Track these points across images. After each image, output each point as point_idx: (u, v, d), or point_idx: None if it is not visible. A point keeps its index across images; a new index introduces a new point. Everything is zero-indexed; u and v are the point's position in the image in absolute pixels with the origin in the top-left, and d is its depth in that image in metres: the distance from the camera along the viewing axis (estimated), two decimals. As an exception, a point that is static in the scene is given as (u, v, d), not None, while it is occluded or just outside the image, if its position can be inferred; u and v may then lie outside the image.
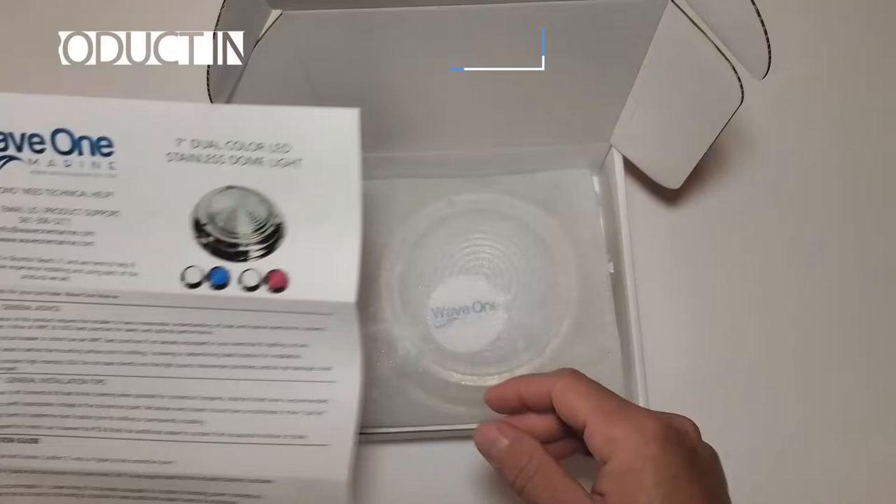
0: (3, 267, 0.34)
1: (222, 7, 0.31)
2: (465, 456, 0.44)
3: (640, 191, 0.52)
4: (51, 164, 0.35)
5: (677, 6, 0.37)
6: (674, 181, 0.46)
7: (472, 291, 0.47)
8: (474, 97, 0.42)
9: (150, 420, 0.35)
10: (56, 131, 0.34)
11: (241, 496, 0.35)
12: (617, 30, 0.38)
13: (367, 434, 0.43)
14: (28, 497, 0.34)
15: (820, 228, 0.52)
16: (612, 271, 0.47)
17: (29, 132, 0.34)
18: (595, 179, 0.51)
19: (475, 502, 0.44)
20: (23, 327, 0.34)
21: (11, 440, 0.34)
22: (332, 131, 0.35)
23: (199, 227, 0.35)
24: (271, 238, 0.35)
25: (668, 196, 0.52)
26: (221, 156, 0.35)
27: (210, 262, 0.35)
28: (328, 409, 0.35)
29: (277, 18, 0.36)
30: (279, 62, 0.38)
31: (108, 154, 0.35)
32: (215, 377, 0.35)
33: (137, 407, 0.35)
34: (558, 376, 0.32)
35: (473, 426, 0.41)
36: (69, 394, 0.34)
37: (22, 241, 0.34)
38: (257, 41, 0.36)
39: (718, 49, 0.36)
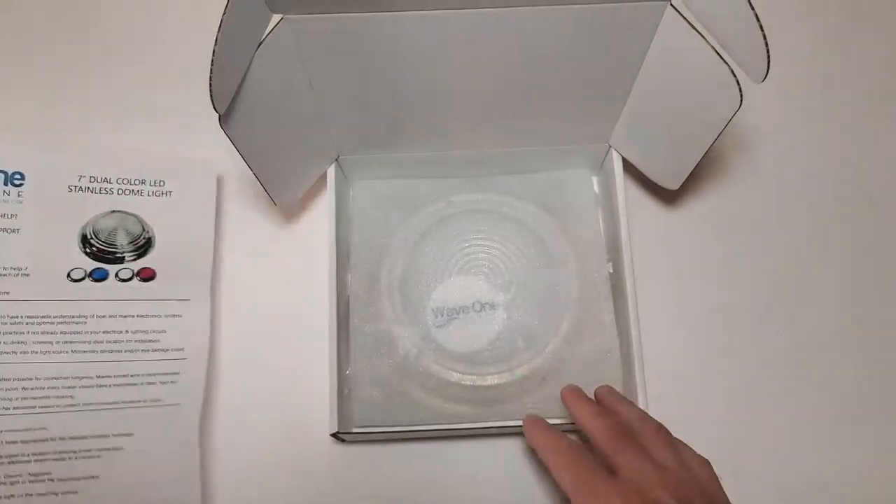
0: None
1: (224, 13, 0.32)
2: (466, 455, 0.45)
3: (639, 191, 0.52)
4: (-34, 192, 0.43)
5: (676, 10, 0.37)
6: (673, 182, 0.46)
7: (472, 291, 0.47)
8: (474, 99, 0.43)
9: (25, 398, 0.41)
10: (-24, 166, 0.46)
11: (104, 449, 0.41)
12: (616, 32, 0.39)
13: (368, 434, 0.44)
14: None
15: (818, 230, 0.52)
16: (612, 271, 0.47)
17: None
18: (594, 180, 0.51)
19: (475, 502, 0.45)
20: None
21: None
22: (198, 171, 0.48)
23: (85, 240, 0.45)
24: (143, 247, 0.45)
25: (667, 196, 0.51)
26: (112, 188, 0.46)
27: (92, 264, 0.44)
28: (180, 379, 0.43)
29: (279, 23, 0.36)
30: (281, 66, 0.38)
31: (19, 185, 0.45)
32: (86, 360, 0.42)
33: (15, 388, 0.41)
34: (549, 448, 0.37)
35: (474, 426, 0.44)
36: None
37: None
38: (259, 45, 0.36)
39: (717, 52, 0.37)
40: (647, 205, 0.51)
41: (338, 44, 0.38)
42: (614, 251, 0.47)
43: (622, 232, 0.45)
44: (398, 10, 0.36)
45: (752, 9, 0.32)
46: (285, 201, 0.46)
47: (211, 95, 0.33)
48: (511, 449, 0.45)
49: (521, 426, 0.42)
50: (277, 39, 0.37)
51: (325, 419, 0.41)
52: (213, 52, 0.32)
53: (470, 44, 0.38)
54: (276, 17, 0.36)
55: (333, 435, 0.41)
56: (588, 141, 0.48)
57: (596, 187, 0.51)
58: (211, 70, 0.32)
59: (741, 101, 0.37)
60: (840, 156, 0.53)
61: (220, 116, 0.35)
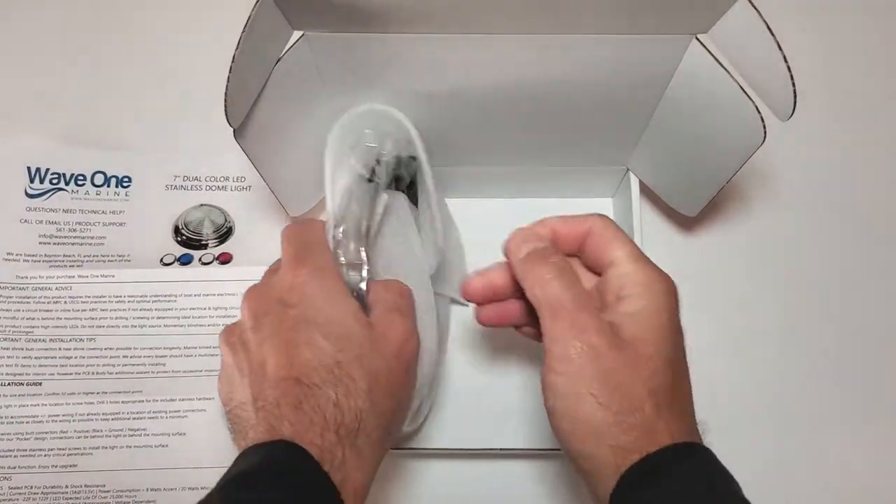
0: (38, 261, 0.48)
1: (245, 27, 0.31)
2: (476, 474, 0.45)
3: (655, 215, 0.50)
4: (86, 193, 0.50)
5: (701, 44, 0.35)
6: (691, 209, 0.44)
7: None
8: (491, 119, 0.41)
9: (126, 366, 0.46)
10: (95, 172, 0.51)
11: (190, 411, 0.45)
12: (640, 63, 0.37)
13: None
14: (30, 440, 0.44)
15: (838, 262, 0.49)
16: None
17: (76, 172, 0.51)
18: (611, 201, 0.49)
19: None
20: (43, 302, 0.47)
21: (21, 384, 0.45)
22: None
23: (176, 230, 0.49)
24: (225, 235, 0.50)
25: (684, 222, 0.49)
26: (201, 185, 0.51)
27: (181, 250, 0.49)
28: None
29: (299, 39, 0.35)
30: (299, 81, 0.37)
31: (127, 186, 0.51)
32: (176, 334, 0.47)
33: (117, 356, 0.46)
34: (596, 216, 0.33)
35: (484, 447, 0.43)
36: (69, 349, 0.46)
37: (55, 244, 0.49)
38: (278, 60, 0.35)
39: (742, 88, 0.35)
40: (663, 229, 0.49)
41: (357, 62, 0.37)
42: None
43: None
44: (419, 33, 0.34)
45: (780, 49, 0.31)
46: (300, 212, 0.46)
47: (226, 110, 0.32)
48: (511, 470, 0.45)
49: (523, 450, 0.43)
50: (297, 56, 0.36)
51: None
52: (230, 68, 0.31)
53: (491, 67, 0.37)
54: (296, 34, 0.35)
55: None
56: (605, 163, 0.46)
57: (612, 211, 0.49)
58: (226, 85, 0.32)
59: (764, 137, 0.35)
60: (864, 189, 0.50)
61: (234, 130, 0.35)
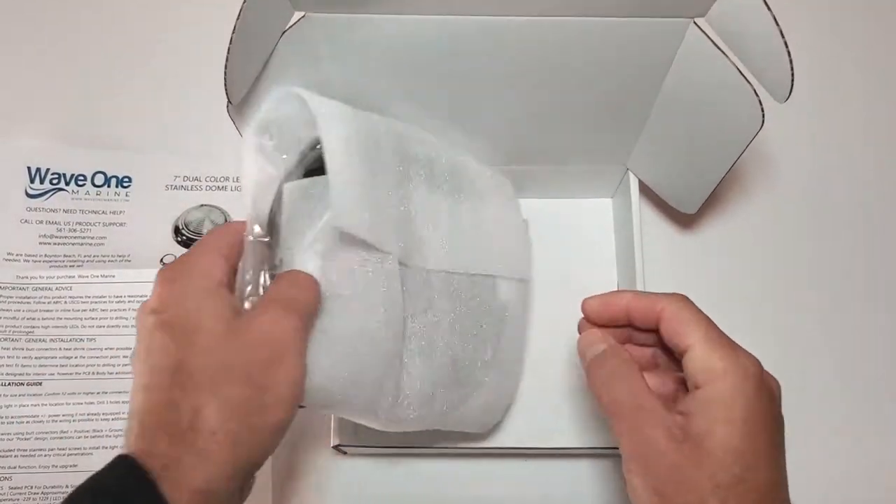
0: (38, 262, 0.48)
1: (243, 5, 0.30)
2: (466, 474, 0.45)
3: (655, 213, 0.49)
4: (87, 193, 0.50)
5: (699, 27, 0.34)
6: (691, 206, 0.44)
7: None
8: (492, 109, 0.40)
9: (126, 366, 0.46)
10: (95, 172, 0.51)
11: None
12: (638, 48, 0.36)
13: (369, 447, 0.43)
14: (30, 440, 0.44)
15: (840, 256, 0.48)
16: None
17: (77, 173, 0.52)
18: (610, 202, 0.49)
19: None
20: (43, 302, 0.47)
21: (22, 384, 0.45)
22: None
23: (177, 231, 0.50)
24: None
25: (683, 219, 0.49)
26: (200, 185, 0.51)
27: (181, 251, 0.49)
28: None
29: (300, 19, 0.34)
30: (299, 63, 0.36)
31: (127, 186, 0.51)
32: None
33: (117, 356, 0.46)
34: (670, 298, 0.32)
35: (475, 446, 0.43)
36: (69, 349, 0.46)
37: (55, 244, 0.49)
38: (278, 40, 0.34)
39: (740, 72, 0.34)
40: (663, 228, 0.49)
41: (358, 44, 0.36)
42: (629, 275, 0.44)
43: (637, 260, 0.42)
44: (421, 14, 0.34)
45: (778, 26, 0.30)
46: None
47: (226, 89, 0.31)
48: (513, 471, 0.45)
49: (526, 449, 0.43)
50: (297, 36, 0.34)
51: (327, 430, 0.40)
52: (231, 39, 0.30)
53: (490, 52, 0.36)
54: (297, 14, 0.34)
55: (335, 447, 0.40)
56: (604, 162, 0.45)
57: (611, 211, 0.49)
58: (226, 59, 0.30)
59: (763, 121, 0.35)
60: (865, 177, 0.49)
61: (229, 105, 0.33)
